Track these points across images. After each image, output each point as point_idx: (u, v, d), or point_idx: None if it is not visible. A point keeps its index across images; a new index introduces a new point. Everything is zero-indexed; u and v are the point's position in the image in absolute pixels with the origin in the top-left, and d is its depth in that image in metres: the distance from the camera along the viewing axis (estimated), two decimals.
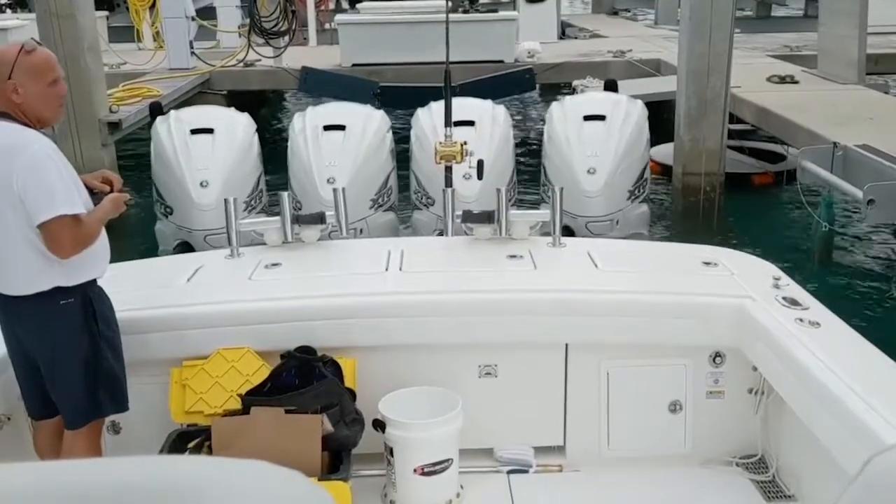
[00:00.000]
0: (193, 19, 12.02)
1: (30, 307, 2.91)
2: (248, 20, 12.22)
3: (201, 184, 5.96)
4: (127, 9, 14.98)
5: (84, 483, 0.78)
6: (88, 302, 2.96)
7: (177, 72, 11.50)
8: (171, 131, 6.24)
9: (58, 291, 2.90)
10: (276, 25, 11.78)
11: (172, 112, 6.51)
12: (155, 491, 0.78)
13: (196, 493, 0.77)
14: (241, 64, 11.99)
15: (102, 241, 3.02)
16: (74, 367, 2.96)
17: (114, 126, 8.58)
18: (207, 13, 14.27)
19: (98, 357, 2.98)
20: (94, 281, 3.02)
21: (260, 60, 12.04)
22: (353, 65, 11.93)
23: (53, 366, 2.97)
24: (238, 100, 12.18)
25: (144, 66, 11.88)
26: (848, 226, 8.10)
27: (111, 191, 3.12)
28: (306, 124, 6.22)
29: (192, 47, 11.88)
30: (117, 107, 8.83)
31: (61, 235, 2.81)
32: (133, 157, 10.61)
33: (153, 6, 13.46)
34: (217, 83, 11.87)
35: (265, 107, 14.42)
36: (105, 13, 16.05)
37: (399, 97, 11.54)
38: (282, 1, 11.70)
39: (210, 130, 6.23)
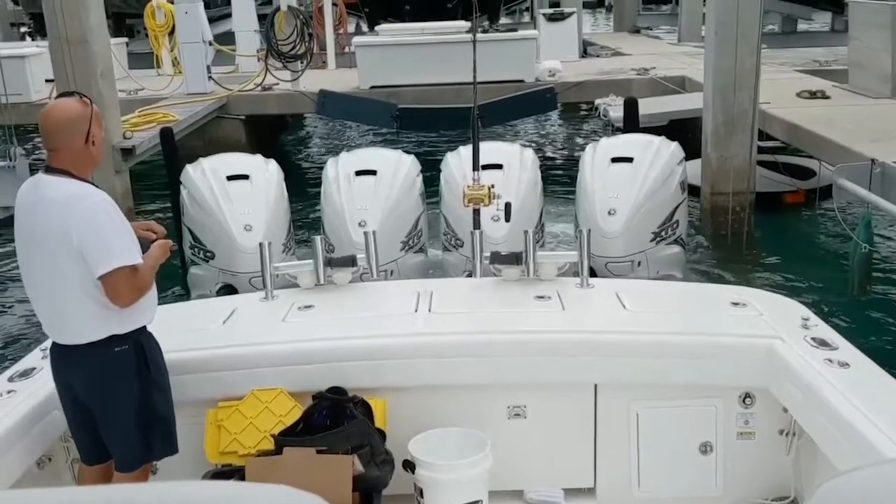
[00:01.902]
0: (211, 44, 11.95)
1: (84, 355, 2.97)
2: (266, 44, 12.13)
3: (245, 228, 6.07)
4: (146, 35, 15.00)
5: None
6: (140, 348, 3.03)
7: (194, 97, 11.42)
8: (206, 178, 6.34)
9: (112, 339, 2.97)
10: (293, 49, 11.67)
11: (202, 160, 6.64)
12: None
13: None
14: (259, 88, 11.89)
15: (151, 288, 3.11)
16: (128, 413, 3.02)
17: (127, 152, 8.47)
18: (227, 38, 14.25)
19: (150, 402, 3.05)
20: (145, 327, 3.09)
21: (277, 84, 11.94)
22: (372, 87, 11.79)
23: (107, 412, 3.03)
24: (256, 124, 12.14)
25: (162, 91, 11.82)
26: (888, 247, 7.74)
27: (155, 238, 3.22)
28: (339, 170, 6.34)
29: (209, 72, 11.80)
30: (131, 133, 8.72)
31: (121, 286, 2.89)
32: (147, 181, 10.53)
33: (172, 32, 13.44)
34: (234, 108, 11.77)
35: (284, 131, 14.33)
36: (125, 39, 16.14)
37: (418, 119, 11.36)
38: (298, 24, 11.59)
39: (246, 176, 6.39)
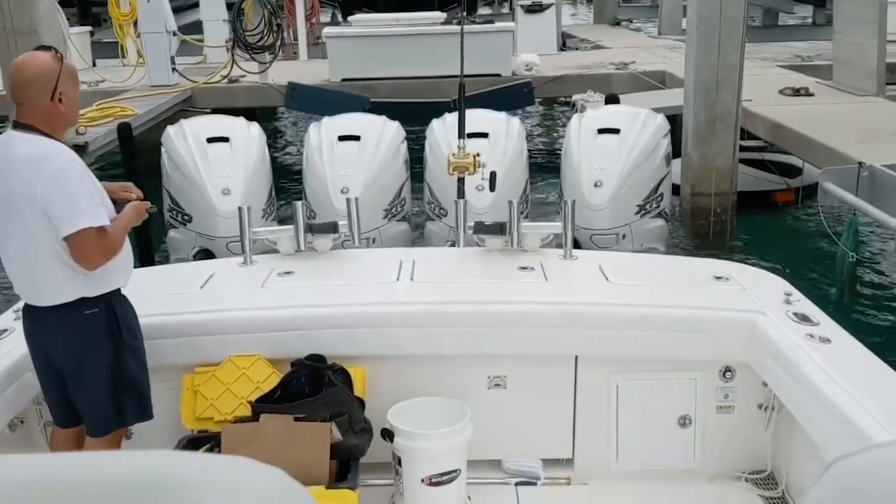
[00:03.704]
0: (175, 34, 11.47)
1: (55, 317, 2.93)
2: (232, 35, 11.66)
3: (223, 191, 6.00)
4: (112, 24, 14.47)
5: (46, 476, 0.77)
6: (112, 311, 2.98)
7: (157, 89, 10.96)
8: (186, 140, 6.26)
9: (83, 302, 2.92)
10: (260, 40, 11.23)
11: (183, 121, 6.56)
12: (126, 484, 0.76)
13: (167, 486, 0.76)
14: (225, 80, 11.43)
15: (126, 251, 3.04)
16: (99, 377, 2.99)
17: (80, 149, 7.99)
18: (196, 28, 13.74)
19: (122, 366, 3.01)
20: (119, 290, 3.04)
21: (245, 76, 11.49)
22: (343, 79, 11.39)
23: (78, 375, 2.99)
24: None
25: (124, 83, 11.34)
26: (877, 253, 7.45)
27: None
28: (322, 135, 6.29)
29: (173, 63, 11.32)
30: (84, 128, 8.26)
31: (87, 247, 2.83)
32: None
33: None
34: (200, 100, 11.31)
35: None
36: (88, 28, 15.59)
37: (391, 113, 10.96)
38: (266, 14, 11.15)
39: (226, 139, 6.27)
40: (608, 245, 5.91)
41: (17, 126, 2.88)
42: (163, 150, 6.33)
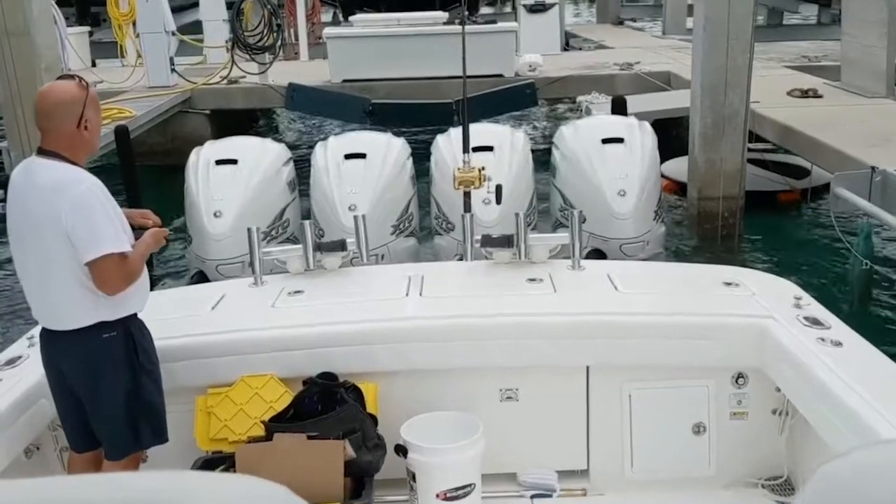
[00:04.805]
0: (173, 34, 11.34)
1: (73, 342, 2.96)
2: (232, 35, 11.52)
3: (214, 214, 6.00)
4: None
5: (51, 500, 0.76)
6: (130, 335, 3.02)
7: (156, 90, 10.83)
8: (197, 163, 6.34)
9: (101, 326, 2.96)
10: (260, 40, 11.10)
11: (207, 143, 6.64)
12: None
13: None
14: (225, 81, 11.30)
15: (142, 275, 3.08)
16: (116, 401, 3.01)
17: None
18: (196, 28, 13.62)
19: (139, 390, 3.04)
20: (136, 314, 3.08)
21: (244, 77, 11.36)
22: (344, 80, 11.26)
23: (95, 399, 3.03)
24: (222, 119, 11.56)
25: (122, 84, 11.21)
26: (892, 260, 7.29)
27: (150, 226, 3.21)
28: (328, 154, 6.32)
29: (172, 64, 11.20)
30: None
31: (109, 273, 2.88)
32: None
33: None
34: (199, 102, 11.20)
35: (253, 127, 13.74)
36: (87, 28, 15.48)
37: (393, 114, 10.85)
38: (266, 14, 11.01)
39: (234, 161, 6.28)
40: (635, 253, 5.96)
41: (41, 153, 2.93)
42: (185, 174, 6.44)
